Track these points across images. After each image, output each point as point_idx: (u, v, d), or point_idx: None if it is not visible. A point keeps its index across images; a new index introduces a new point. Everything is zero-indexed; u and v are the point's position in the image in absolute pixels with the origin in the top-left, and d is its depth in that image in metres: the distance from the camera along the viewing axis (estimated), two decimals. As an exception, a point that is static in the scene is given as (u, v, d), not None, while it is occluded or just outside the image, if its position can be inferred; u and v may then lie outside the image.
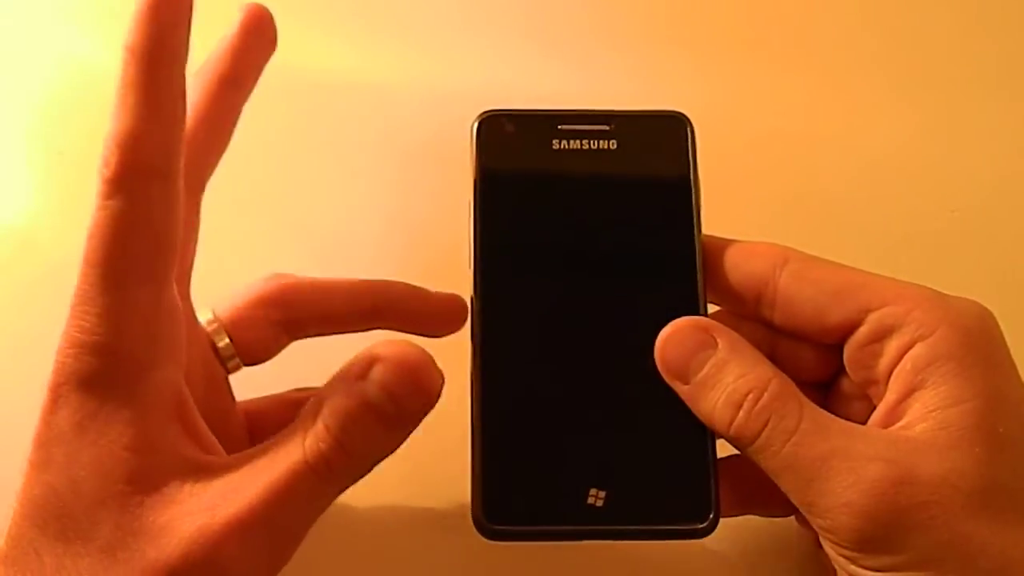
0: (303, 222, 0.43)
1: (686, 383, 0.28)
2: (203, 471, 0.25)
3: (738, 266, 0.30)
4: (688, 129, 0.31)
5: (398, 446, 0.27)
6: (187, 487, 0.25)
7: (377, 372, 0.25)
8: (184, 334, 0.27)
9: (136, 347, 0.26)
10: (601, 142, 0.31)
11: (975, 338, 0.26)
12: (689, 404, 0.28)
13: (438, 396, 0.26)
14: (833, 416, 0.27)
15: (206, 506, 0.24)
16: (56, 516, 0.25)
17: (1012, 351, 0.27)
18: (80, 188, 0.47)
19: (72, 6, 0.49)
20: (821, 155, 0.45)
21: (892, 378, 0.27)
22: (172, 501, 0.25)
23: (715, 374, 0.27)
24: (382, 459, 0.27)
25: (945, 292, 0.28)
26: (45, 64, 0.47)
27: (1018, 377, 0.27)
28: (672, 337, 0.28)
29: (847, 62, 0.48)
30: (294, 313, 0.33)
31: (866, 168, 0.45)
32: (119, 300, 0.25)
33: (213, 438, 0.27)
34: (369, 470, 0.27)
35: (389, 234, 0.43)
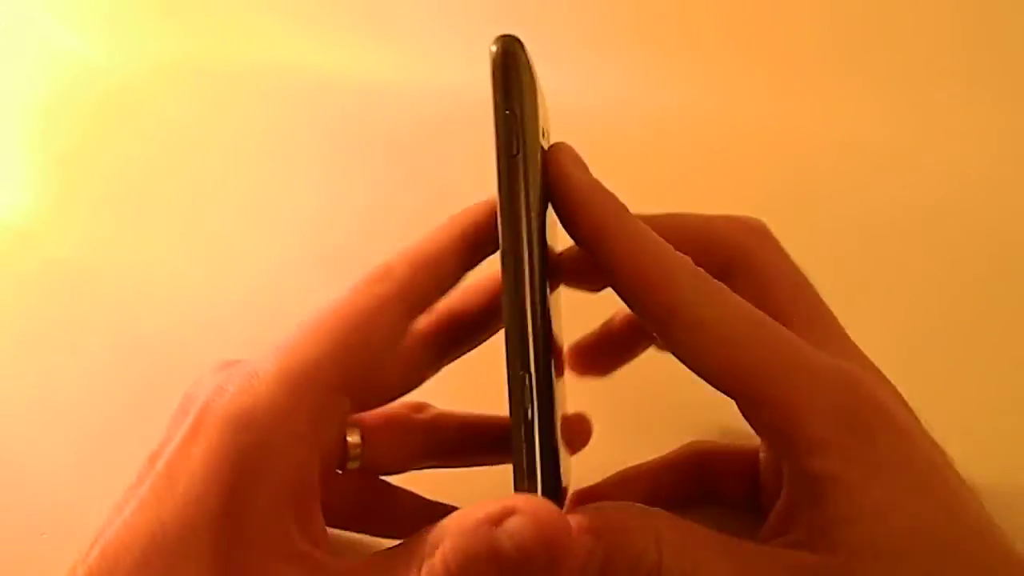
0: (299, 220, 0.43)
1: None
2: (307, 566, 0.24)
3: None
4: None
5: None
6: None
7: (514, 523, 0.24)
8: (336, 422, 0.27)
9: (288, 418, 0.25)
10: None
11: (857, 445, 0.25)
12: None
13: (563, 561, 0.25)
14: (719, 538, 0.26)
15: None
16: (157, 555, 0.24)
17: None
18: (79, 187, 0.48)
19: (72, 6, 0.49)
20: (819, 155, 0.45)
21: (784, 482, 0.26)
22: None
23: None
24: None
25: (828, 369, 0.26)
26: (44, 64, 0.47)
27: (912, 460, 0.26)
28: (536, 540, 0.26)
29: (845, 62, 0.47)
30: (435, 441, 0.32)
31: (866, 168, 0.44)
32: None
33: (325, 531, 0.26)
34: None
35: (388, 234, 0.43)
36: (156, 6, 0.49)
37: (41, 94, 0.46)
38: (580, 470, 0.34)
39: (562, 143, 0.27)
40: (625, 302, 0.27)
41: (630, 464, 0.33)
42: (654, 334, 0.28)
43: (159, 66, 0.47)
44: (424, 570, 0.24)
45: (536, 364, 0.24)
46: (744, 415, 0.27)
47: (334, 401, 0.26)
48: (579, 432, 0.32)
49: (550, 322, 0.26)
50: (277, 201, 0.44)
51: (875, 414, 0.26)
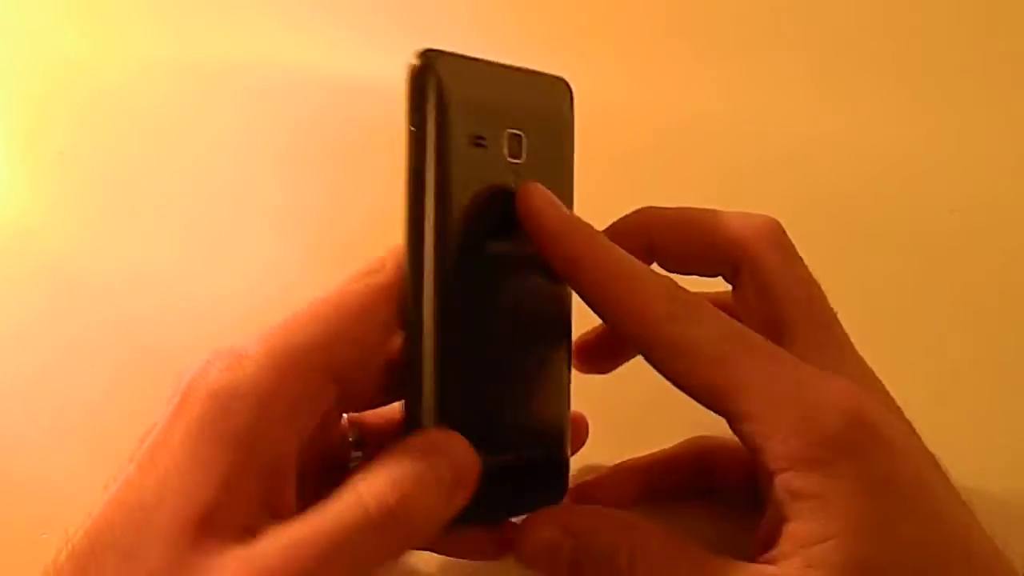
0: (288, 214, 0.43)
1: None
2: (260, 534, 0.25)
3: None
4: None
5: (446, 516, 0.26)
6: (238, 547, 0.24)
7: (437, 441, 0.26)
8: (320, 407, 0.27)
9: (270, 395, 0.26)
10: None
11: (837, 461, 0.25)
12: None
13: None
14: (703, 560, 0.26)
15: (248, 558, 0.24)
16: (133, 529, 0.24)
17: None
18: (79, 187, 0.48)
19: (73, 6, 0.49)
20: (821, 155, 0.45)
21: (769, 499, 0.26)
22: (219, 553, 0.24)
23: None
24: (431, 526, 0.26)
25: (814, 384, 0.26)
26: (30, 61, 0.47)
27: (898, 487, 0.26)
28: (528, 553, 0.28)
29: (848, 62, 0.47)
30: None
31: (866, 168, 0.44)
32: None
33: (293, 511, 0.26)
34: (420, 537, 0.26)
35: (377, 230, 0.43)
36: (143, 3, 0.49)
37: (27, 92, 0.46)
38: (583, 469, 0.34)
39: (530, 185, 0.28)
40: (608, 326, 0.28)
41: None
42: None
43: (147, 63, 0.47)
44: (364, 493, 0.25)
45: (432, 343, 0.27)
46: (732, 431, 0.27)
47: (319, 384, 0.26)
48: (575, 432, 0.32)
49: (463, 322, 0.27)
50: (266, 196, 0.44)
51: (859, 430, 0.25)
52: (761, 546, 0.26)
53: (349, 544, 0.24)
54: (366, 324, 0.27)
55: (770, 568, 0.25)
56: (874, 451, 0.25)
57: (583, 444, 0.33)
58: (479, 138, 0.28)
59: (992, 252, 0.42)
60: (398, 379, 0.28)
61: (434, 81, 0.27)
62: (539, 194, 0.28)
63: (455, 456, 0.26)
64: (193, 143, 0.46)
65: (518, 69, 0.29)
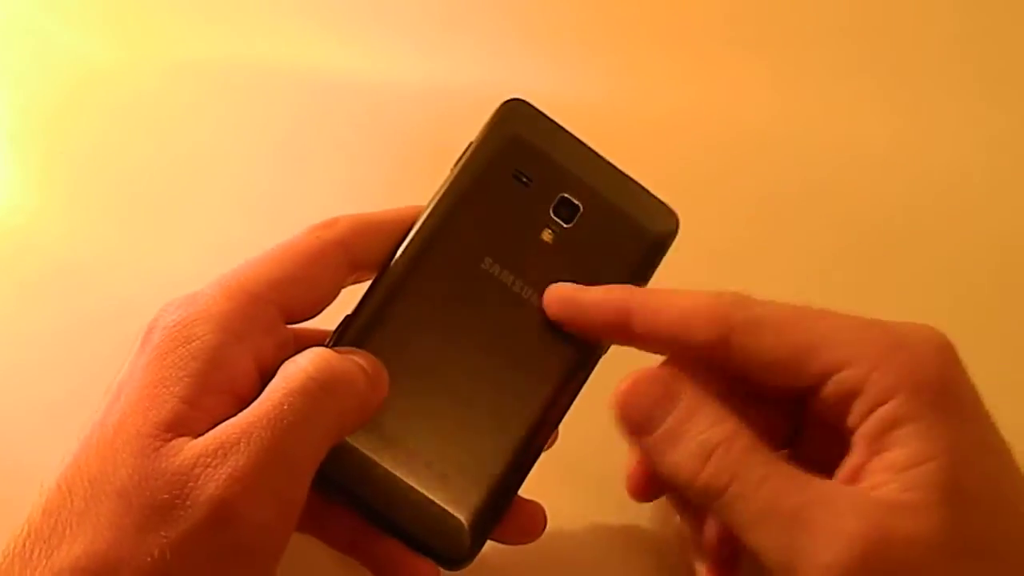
0: (305, 220, 0.44)
1: (649, 435, 0.28)
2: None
3: (677, 336, 0.29)
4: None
5: (371, 403, 0.28)
6: (199, 440, 0.25)
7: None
8: (272, 335, 0.29)
9: (224, 319, 0.27)
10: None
11: (935, 394, 0.26)
12: (650, 458, 0.28)
13: None
14: (802, 471, 0.27)
15: (213, 445, 0.25)
16: (98, 458, 0.25)
17: (985, 353, 0.28)
18: (80, 187, 0.48)
19: (74, 6, 0.49)
20: (812, 154, 0.45)
21: (856, 439, 0.27)
22: (181, 450, 0.25)
23: (680, 426, 0.28)
24: (363, 406, 0.28)
25: (900, 325, 0.28)
26: (46, 64, 0.47)
27: (982, 420, 0.27)
28: (633, 389, 0.28)
29: (833, 63, 0.48)
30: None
31: (854, 168, 0.45)
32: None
33: None
34: (356, 413, 0.28)
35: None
36: (161, 7, 0.50)
37: (45, 96, 0.47)
38: (585, 470, 0.35)
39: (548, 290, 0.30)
40: (674, 352, 0.29)
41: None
42: (710, 362, 0.29)
43: (164, 67, 0.48)
44: (302, 362, 0.27)
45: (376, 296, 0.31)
46: (811, 404, 0.28)
47: (271, 314, 0.28)
48: (523, 520, 0.32)
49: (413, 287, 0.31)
50: (283, 202, 0.45)
51: (953, 362, 0.27)
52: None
53: (302, 407, 0.26)
54: (314, 269, 0.29)
55: (869, 490, 0.26)
56: (966, 384, 0.27)
57: (531, 538, 0.32)
58: (523, 176, 0.31)
59: (976, 252, 0.43)
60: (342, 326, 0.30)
61: (502, 113, 0.32)
62: (561, 290, 0.30)
63: (367, 356, 0.28)
64: (198, 142, 0.46)
65: (630, 178, 0.32)
